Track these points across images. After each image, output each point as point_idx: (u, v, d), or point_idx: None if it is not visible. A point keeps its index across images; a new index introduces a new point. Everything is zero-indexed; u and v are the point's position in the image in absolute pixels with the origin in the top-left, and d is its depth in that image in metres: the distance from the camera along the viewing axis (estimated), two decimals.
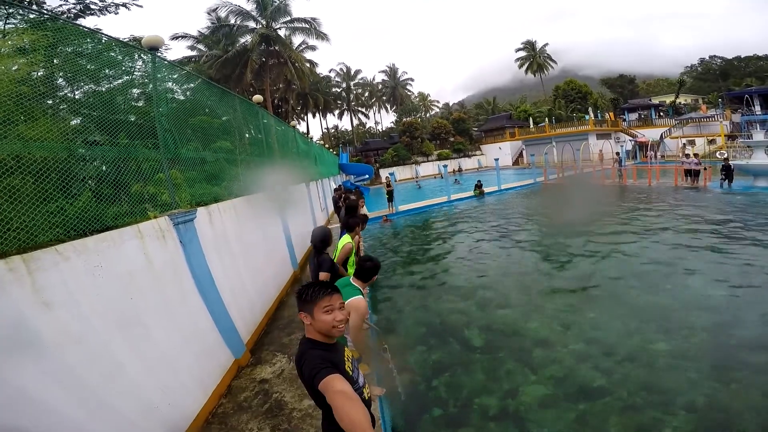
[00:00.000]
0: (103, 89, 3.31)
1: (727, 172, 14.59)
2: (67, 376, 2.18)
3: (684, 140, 30.62)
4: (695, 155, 17.98)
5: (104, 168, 2.92)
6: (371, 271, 2.98)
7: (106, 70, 3.31)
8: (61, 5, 12.37)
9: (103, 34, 3.22)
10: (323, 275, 3.50)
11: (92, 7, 13.20)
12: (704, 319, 4.99)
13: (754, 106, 30.10)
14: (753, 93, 30.75)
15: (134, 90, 3.85)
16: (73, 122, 2.92)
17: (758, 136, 15.19)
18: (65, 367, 2.18)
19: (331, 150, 29.92)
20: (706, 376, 3.88)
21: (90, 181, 2.80)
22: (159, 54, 3.75)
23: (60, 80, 2.87)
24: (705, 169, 16.15)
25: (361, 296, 2.86)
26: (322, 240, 3.73)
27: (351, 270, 4.45)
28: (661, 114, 40.93)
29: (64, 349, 2.18)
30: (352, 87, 52.68)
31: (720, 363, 4.07)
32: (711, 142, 30.40)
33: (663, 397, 3.64)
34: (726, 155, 16.65)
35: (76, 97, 3.01)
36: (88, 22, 13.09)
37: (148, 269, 2.99)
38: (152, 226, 3.12)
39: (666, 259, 7.41)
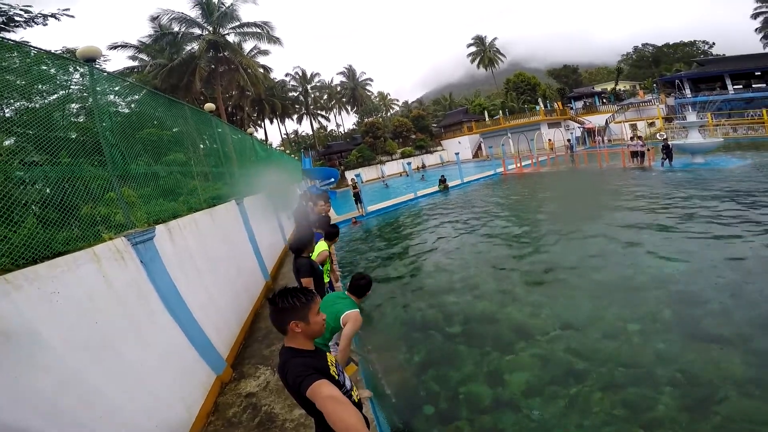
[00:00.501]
0: (37, 105, 3.05)
1: (668, 151, 15.75)
2: (43, 403, 2.10)
3: (628, 125, 32.70)
4: (639, 137, 19.30)
5: (48, 191, 2.69)
6: (365, 288, 3.15)
7: (39, 86, 3.05)
8: None
9: (30, 46, 2.97)
10: (305, 281, 3.47)
11: (17, 18, 12.11)
12: (665, 293, 5.24)
13: (684, 89, 32.67)
14: (683, 77, 33.34)
15: (73, 105, 3.57)
16: (6, 142, 2.67)
17: (691, 117, 16.56)
18: (39, 395, 2.09)
19: (292, 155, 29.30)
20: (679, 349, 4.03)
21: (33, 206, 2.57)
22: (97, 65, 3.50)
23: None
24: (648, 150, 17.37)
25: (357, 310, 2.97)
26: (296, 242, 3.76)
27: (326, 276, 4.41)
28: (604, 101, 43.53)
29: (33, 377, 2.08)
30: (310, 90, 51.81)
31: (688, 334, 4.26)
32: (651, 124, 32.75)
33: (643, 373, 3.75)
34: (665, 136, 17.95)
35: (7, 115, 2.75)
36: (16, 36, 12.01)
37: (110, 292, 2.82)
38: (108, 248, 2.93)
39: (622, 237, 7.84)
